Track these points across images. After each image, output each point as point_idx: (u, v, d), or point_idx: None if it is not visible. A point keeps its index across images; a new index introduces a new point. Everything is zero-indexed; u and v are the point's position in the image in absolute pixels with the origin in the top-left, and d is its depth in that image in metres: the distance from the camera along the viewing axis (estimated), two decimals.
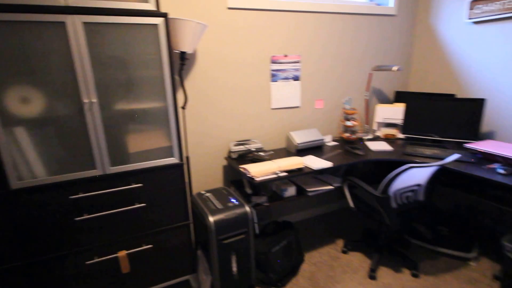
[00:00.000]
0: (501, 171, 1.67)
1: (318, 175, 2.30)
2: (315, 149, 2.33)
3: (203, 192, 1.95)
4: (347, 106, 2.54)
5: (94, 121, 1.45)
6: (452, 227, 2.23)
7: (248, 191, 2.02)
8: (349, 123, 2.48)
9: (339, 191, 2.15)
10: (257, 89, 2.30)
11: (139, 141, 1.58)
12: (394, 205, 1.80)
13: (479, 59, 2.30)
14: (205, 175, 2.27)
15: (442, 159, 1.94)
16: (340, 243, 2.40)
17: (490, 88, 2.25)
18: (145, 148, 1.59)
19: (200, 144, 2.20)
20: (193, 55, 2.03)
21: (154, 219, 1.70)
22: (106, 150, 1.50)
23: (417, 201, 1.95)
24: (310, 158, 2.07)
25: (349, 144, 2.39)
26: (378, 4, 2.67)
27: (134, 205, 1.62)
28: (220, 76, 2.15)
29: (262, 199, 1.95)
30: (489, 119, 2.29)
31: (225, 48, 2.12)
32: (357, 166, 2.83)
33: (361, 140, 2.54)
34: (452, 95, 2.44)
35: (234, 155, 2.13)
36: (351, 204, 2.05)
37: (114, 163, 1.54)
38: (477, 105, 2.13)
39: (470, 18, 2.28)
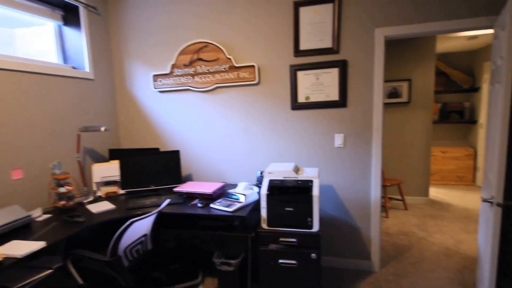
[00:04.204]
0: (200, 205, 2.20)
1: (30, 261, 1.85)
2: (20, 230, 1.87)
3: None
4: (57, 171, 2.28)
5: None
6: (182, 262, 2.59)
7: None
8: (63, 189, 2.23)
9: (63, 271, 1.85)
10: None
11: None
12: (126, 263, 1.83)
13: (169, 119, 2.93)
14: None
15: (159, 205, 2.23)
16: None
17: (183, 141, 2.92)
18: None
19: None
20: None
21: None
22: None
23: (147, 250, 2.09)
24: (13, 244, 1.64)
25: (67, 213, 2.14)
26: (75, 68, 2.69)
27: None
28: None
29: None
30: (187, 164, 2.95)
31: None
32: (80, 235, 2.55)
33: (81, 204, 2.36)
34: (157, 149, 2.89)
35: None
36: (80, 280, 1.83)
37: None
38: (175, 155, 2.68)
39: (156, 88, 2.87)
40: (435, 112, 5.34)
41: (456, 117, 5.21)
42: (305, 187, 1.98)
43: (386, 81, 4.18)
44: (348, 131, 2.45)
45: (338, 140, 2.47)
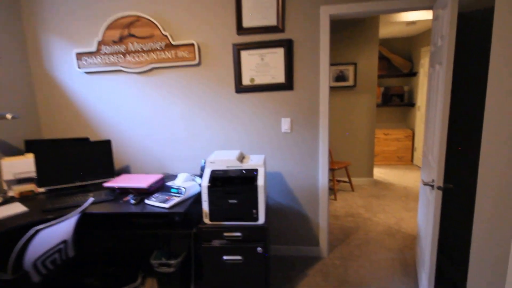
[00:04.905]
0: (133, 201, 1.94)
1: None
2: None
3: None
4: None
5: None
6: (120, 264, 2.32)
7: None
8: None
9: None
10: None
11: None
12: (36, 278, 1.52)
13: (100, 104, 2.55)
14: None
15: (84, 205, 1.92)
16: None
17: (117, 129, 2.58)
18: None
19: None
20: None
21: None
22: None
23: (68, 258, 1.79)
24: None
25: None
26: None
27: None
28: None
29: None
30: (123, 155, 2.62)
31: None
32: None
33: None
34: (86, 139, 2.52)
35: None
36: None
37: None
38: (106, 146, 2.35)
39: (81, 68, 2.47)
40: (378, 95, 5.56)
41: (397, 100, 5.49)
42: (250, 176, 1.84)
43: (333, 64, 4.18)
44: (295, 115, 2.34)
45: (285, 124, 2.35)
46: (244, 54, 2.25)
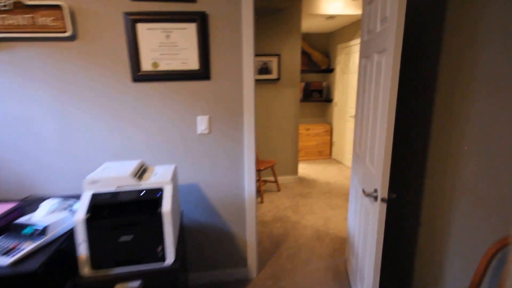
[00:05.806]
0: None
1: None
2: None
3: None
4: None
5: None
6: None
7: None
8: None
9: None
10: None
11: None
12: None
13: None
14: None
15: None
16: None
17: None
18: None
19: None
20: None
21: None
22: None
23: None
24: None
25: None
26: None
27: None
28: None
29: None
30: None
31: None
32: None
33: None
34: None
35: None
36: None
37: None
38: None
39: None
40: (300, 90, 5.49)
41: (317, 96, 5.51)
42: (151, 199, 1.30)
43: (256, 55, 3.82)
44: (214, 112, 1.86)
45: (202, 124, 1.85)
46: (141, 28, 1.64)
